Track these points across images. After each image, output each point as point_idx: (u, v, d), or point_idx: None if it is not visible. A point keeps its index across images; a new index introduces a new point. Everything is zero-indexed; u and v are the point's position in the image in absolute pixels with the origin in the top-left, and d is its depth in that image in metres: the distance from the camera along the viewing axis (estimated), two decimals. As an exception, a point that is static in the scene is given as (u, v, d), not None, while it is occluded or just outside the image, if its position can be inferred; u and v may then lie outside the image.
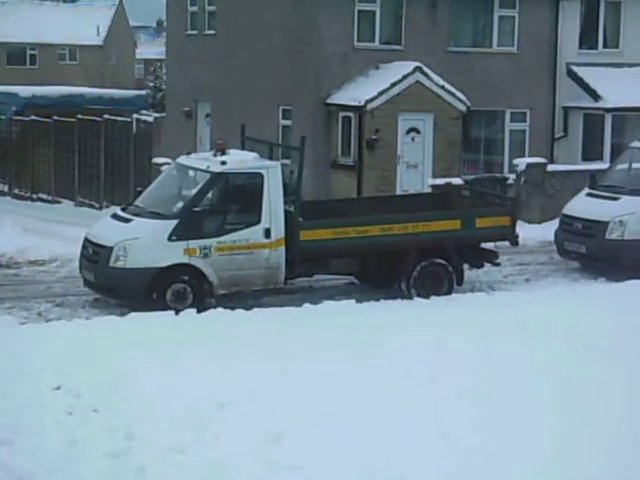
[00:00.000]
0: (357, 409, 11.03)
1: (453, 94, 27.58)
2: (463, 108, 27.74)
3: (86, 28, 72.76)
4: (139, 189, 20.11)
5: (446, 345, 13.37)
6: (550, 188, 26.83)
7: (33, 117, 35.82)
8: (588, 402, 11.34)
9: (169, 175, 19.30)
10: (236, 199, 17.79)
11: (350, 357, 12.78)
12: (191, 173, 18.45)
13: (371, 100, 26.91)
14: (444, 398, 11.37)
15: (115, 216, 18.35)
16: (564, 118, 30.40)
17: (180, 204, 17.70)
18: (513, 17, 29.90)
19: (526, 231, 22.18)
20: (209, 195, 17.73)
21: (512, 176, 27.72)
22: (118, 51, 76.26)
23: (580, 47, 30.77)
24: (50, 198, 34.19)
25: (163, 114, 34.55)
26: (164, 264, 17.04)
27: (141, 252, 17.07)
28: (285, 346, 13.37)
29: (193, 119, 33.40)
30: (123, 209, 18.69)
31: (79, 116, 33.70)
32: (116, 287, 17.21)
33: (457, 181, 24.29)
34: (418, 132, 27.55)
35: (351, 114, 27.41)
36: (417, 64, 27.42)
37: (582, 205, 21.39)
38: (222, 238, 17.31)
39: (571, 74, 30.37)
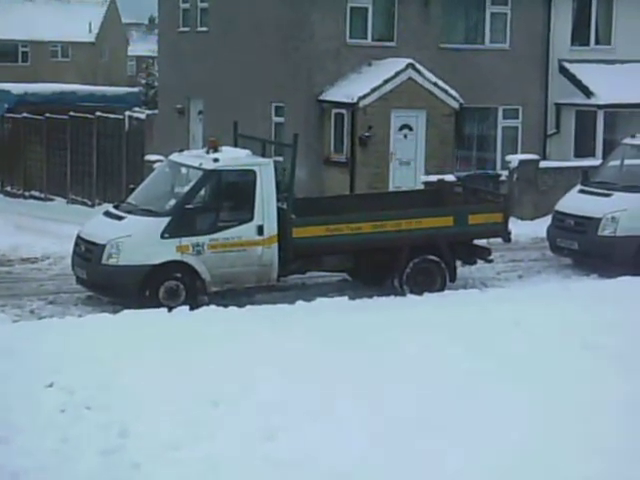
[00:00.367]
0: (352, 406, 11.04)
1: (446, 91, 27.59)
2: (456, 105, 27.74)
3: (78, 25, 72.68)
4: (131, 186, 20.05)
5: (438, 343, 13.38)
6: (542, 185, 26.81)
7: (25, 114, 35.78)
8: (584, 400, 11.35)
9: (162, 172, 19.27)
10: (229, 196, 17.76)
11: (344, 354, 12.79)
12: (184, 170, 18.41)
13: (364, 97, 26.90)
14: (437, 397, 11.39)
15: (107, 213, 18.32)
16: (556, 115, 30.43)
17: (173, 201, 17.67)
18: (505, 14, 29.91)
19: (519, 228, 22.15)
20: (202, 192, 17.69)
21: (505, 173, 27.68)
22: (110, 48, 76.21)
23: (572, 44, 30.78)
24: (42, 196, 34.17)
25: (155, 111, 34.51)
26: (157, 261, 17.01)
27: (134, 249, 17.05)
28: (278, 343, 13.39)
29: (185, 116, 33.37)
30: (115, 206, 18.67)
31: (71, 113, 33.67)
32: (109, 284, 17.20)
33: (450, 178, 24.24)
34: (411, 129, 27.55)
35: (344, 111, 27.40)
36: (409, 61, 27.43)
37: (574, 202, 21.38)
38: (215, 235, 17.29)
39: (563, 71, 30.39)
